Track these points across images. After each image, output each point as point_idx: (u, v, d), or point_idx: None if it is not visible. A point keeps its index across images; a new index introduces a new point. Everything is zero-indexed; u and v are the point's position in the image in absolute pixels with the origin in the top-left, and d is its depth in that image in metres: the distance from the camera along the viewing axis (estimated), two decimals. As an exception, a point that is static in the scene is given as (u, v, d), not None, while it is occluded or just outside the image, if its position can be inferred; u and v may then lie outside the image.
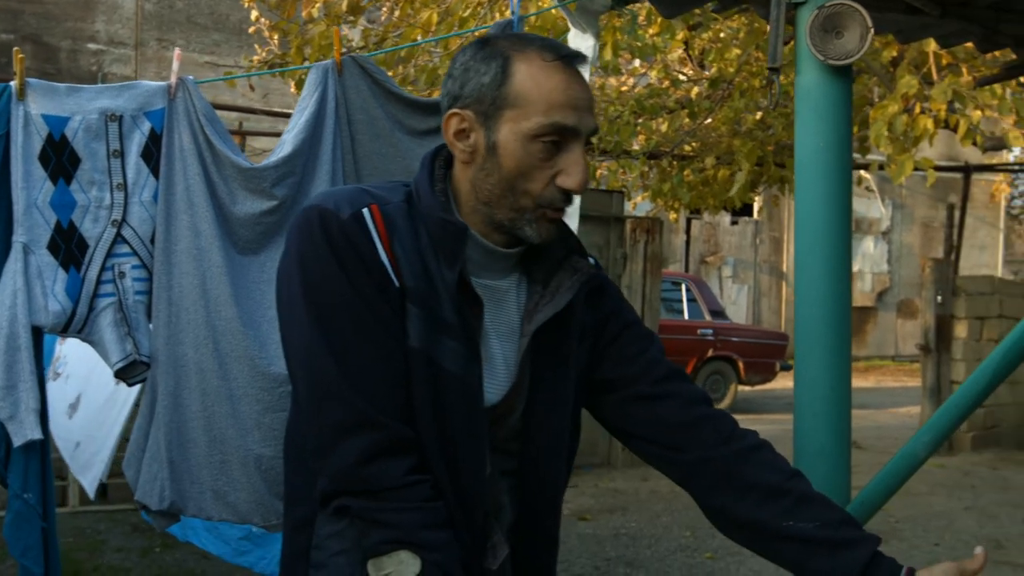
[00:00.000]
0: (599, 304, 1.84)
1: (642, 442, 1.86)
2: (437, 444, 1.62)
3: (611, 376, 1.84)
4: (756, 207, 21.40)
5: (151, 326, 2.96)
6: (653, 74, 8.70)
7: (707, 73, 8.44)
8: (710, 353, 13.19)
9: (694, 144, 9.27)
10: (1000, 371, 2.06)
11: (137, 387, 3.27)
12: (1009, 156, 16.80)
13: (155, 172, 2.94)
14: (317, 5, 6.78)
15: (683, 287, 13.20)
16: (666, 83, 8.42)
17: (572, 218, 3.33)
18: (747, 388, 14.24)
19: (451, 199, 1.69)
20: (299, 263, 1.60)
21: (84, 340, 2.98)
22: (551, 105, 1.61)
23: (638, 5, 6.26)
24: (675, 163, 9.65)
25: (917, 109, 6.32)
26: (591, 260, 1.82)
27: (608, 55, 6.04)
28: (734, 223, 21.15)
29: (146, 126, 2.93)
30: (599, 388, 1.86)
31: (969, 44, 4.08)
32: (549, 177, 1.63)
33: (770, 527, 1.76)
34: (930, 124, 6.16)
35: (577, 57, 1.66)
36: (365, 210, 1.61)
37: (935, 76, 6.60)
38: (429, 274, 1.63)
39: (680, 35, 7.52)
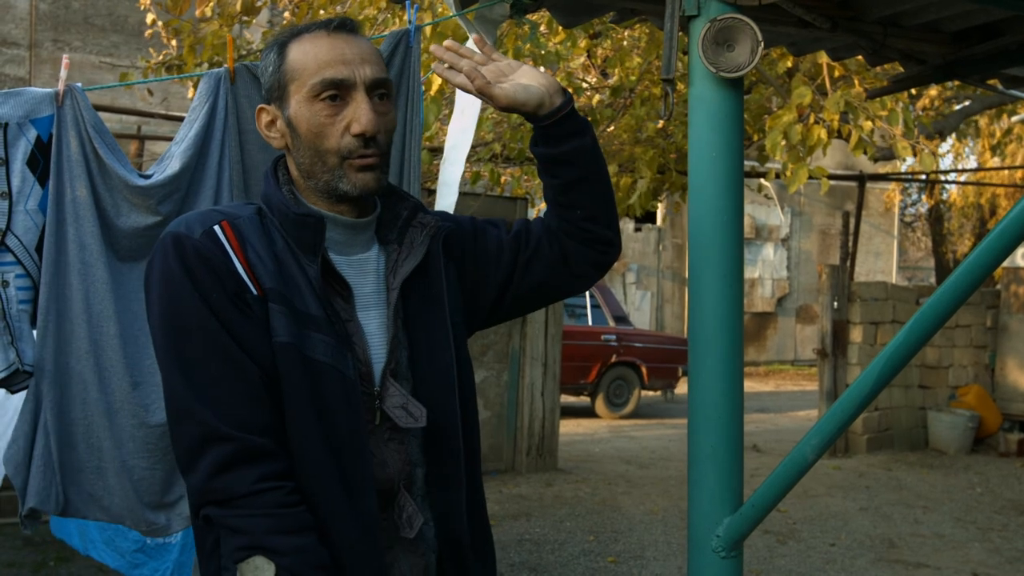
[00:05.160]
0: (452, 246, 1.96)
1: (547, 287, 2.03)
2: (318, 430, 1.68)
3: (501, 278, 1.99)
4: (659, 214, 21.67)
5: (35, 335, 2.92)
6: (557, 82, 8.73)
7: (609, 81, 8.52)
8: (614, 359, 13.31)
9: (597, 152, 9.34)
10: (883, 377, 2.10)
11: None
12: (902, 166, 17.26)
13: (40, 180, 2.90)
14: (211, 4, 6.67)
15: (587, 293, 13.27)
16: (569, 91, 8.46)
17: (450, 195, 3.36)
18: (650, 393, 14.40)
19: (297, 193, 1.80)
20: (156, 290, 1.69)
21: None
22: (320, 65, 1.73)
23: (540, 15, 6.29)
24: (578, 170, 9.68)
25: (811, 119, 6.47)
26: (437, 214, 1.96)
27: (511, 63, 6.05)
28: (637, 230, 21.40)
29: (32, 133, 2.88)
30: (502, 295, 2.00)
31: (860, 57, 4.19)
32: (342, 130, 1.73)
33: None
34: (823, 134, 6.31)
35: (344, 25, 1.78)
36: (216, 227, 1.70)
37: (829, 87, 6.76)
38: (288, 274, 1.71)
39: (582, 43, 7.58)
